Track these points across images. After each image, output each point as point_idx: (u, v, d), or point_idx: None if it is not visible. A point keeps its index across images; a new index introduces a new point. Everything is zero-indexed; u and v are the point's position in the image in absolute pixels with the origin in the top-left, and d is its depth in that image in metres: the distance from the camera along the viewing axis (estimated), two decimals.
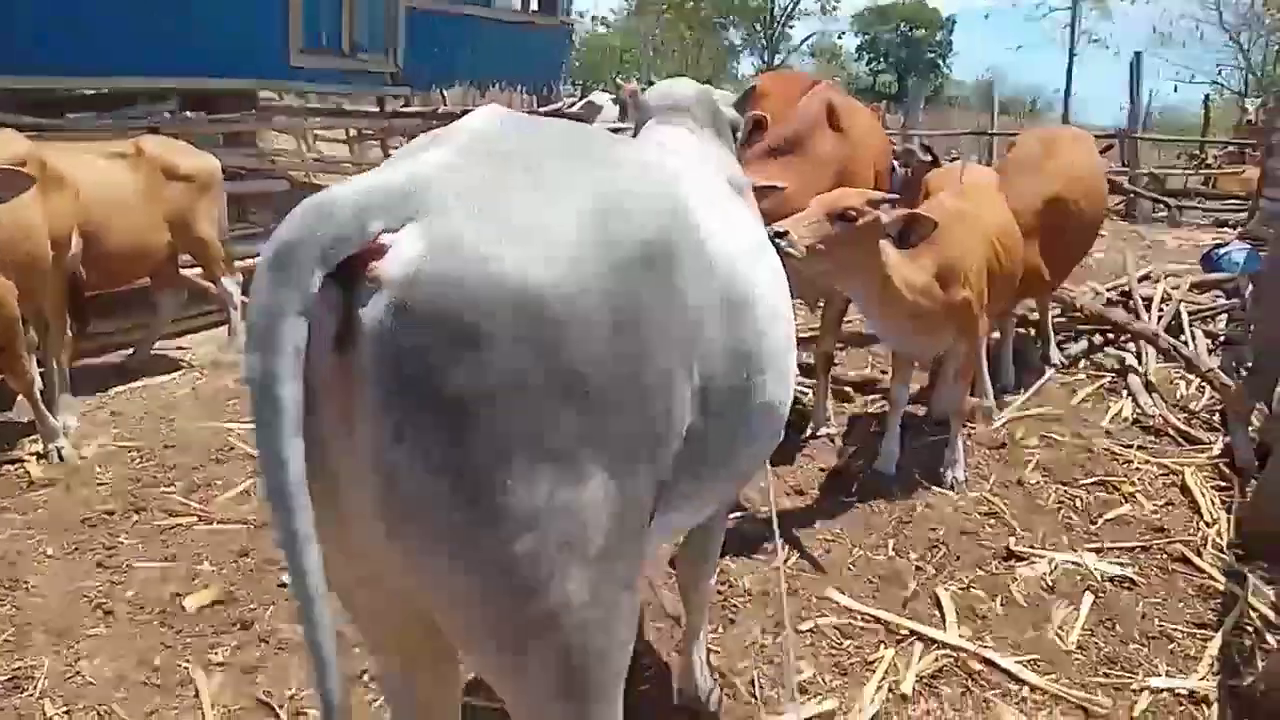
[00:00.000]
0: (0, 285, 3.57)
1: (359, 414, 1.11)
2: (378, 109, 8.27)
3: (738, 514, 3.64)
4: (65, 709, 2.42)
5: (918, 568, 3.29)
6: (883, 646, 2.81)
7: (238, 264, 5.36)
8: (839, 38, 44.81)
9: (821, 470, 4.09)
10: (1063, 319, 6.04)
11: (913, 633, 2.87)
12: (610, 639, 1.30)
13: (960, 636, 2.86)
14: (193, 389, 4.95)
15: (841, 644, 2.83)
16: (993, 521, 3.64)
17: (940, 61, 45.55)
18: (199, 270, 5.32)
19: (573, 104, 8.75)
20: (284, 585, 3.03)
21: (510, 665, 1.26)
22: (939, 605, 3.03)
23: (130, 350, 5.31)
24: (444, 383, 1.08)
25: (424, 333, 1.07)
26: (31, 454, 3.95)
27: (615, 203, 1.26)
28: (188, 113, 6.12)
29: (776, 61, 35.29)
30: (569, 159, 1.33)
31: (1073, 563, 3.30)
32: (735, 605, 3.02)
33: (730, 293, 1.55)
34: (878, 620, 2.94)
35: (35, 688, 2.49)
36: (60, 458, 3.89)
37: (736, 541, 3.38)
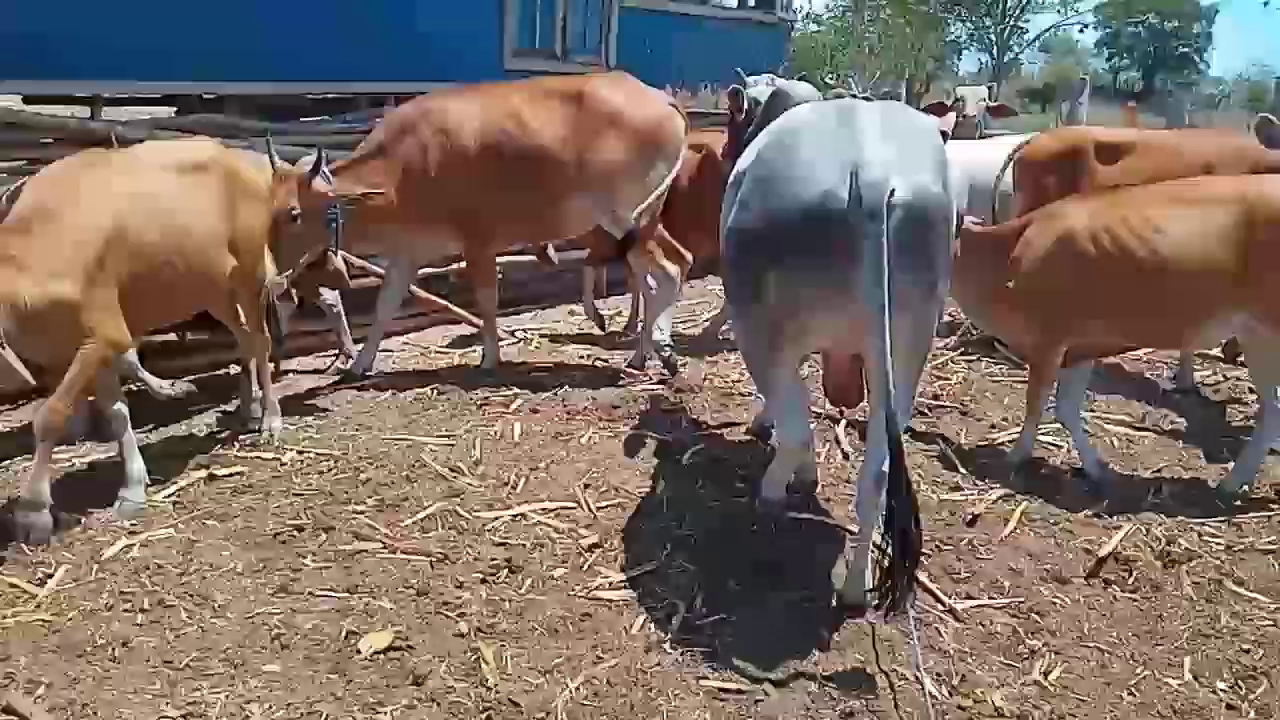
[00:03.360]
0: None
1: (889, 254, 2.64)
2: None
3: (972, 601, 3.08)
4: None
5: (1229, 706, 2.60)
6: None
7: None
8: (1080, 31, 41.20)
9: (1086, 551, 3.43)
10: None
11: None
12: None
13: None
14: (393, 395, 4.93)
15: None
16: None
17: (1197, 56, 40.87)
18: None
19: None
20: (460, 635, 2.80)
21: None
22: None
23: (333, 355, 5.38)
24: (920, 239, 2.76)
25: (913, 219, 2.72)
26: (253, 456, 4.01)
27: (941, 149, 2.98)
28: None
29: (1006, 58, 32.92)
30: (905, 129, 3.00)
31: None
32: None
33: None
34: None
35: None
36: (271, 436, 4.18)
37: (982, 639, 2.84)
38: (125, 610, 2.83)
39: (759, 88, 4.47)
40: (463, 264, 5.59)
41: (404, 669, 2.64)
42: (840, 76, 21.89)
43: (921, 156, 2.85)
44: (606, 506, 3.69)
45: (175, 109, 6.39)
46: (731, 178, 3.34)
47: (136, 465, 3.55)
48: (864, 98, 7.35)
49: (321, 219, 4.33)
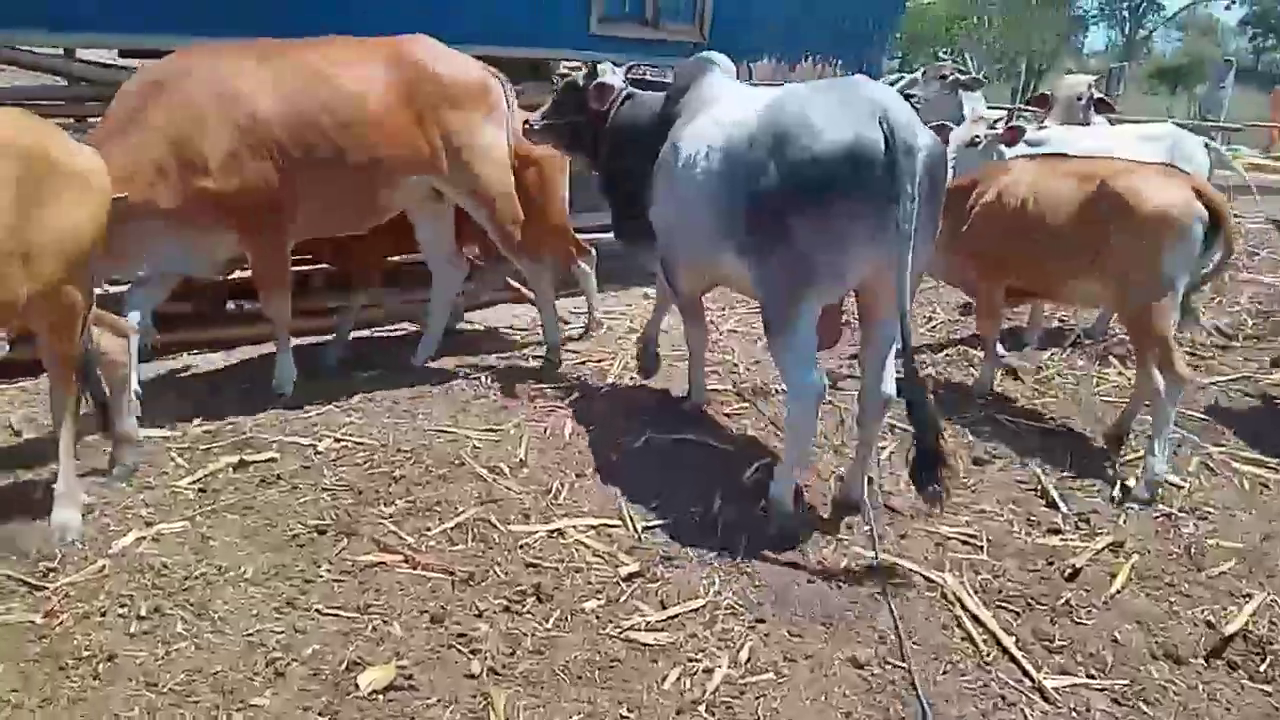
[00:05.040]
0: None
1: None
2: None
3: (1066, 679, 2.62)
4: None
5: None
6: None
7: None
8: (1226, 8, 38.12)
9: (1208, 624, 2.91)
10: None
11: None
12: None
13: None
14: (443, 380, 4.67)
15: None
16: None
17: None
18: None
19: (895, 80, 7.64)
20: (471, 676, 2.50)
21: None
22: None
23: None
24: (934, 180, 3.11)
25: (931, 160, 3.07)
26: (289, 441, 3.81)
27: None
28: None
29: (1139, 35, 30.66)
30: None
31: None
32: None
33: None
34: None
35: None
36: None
37: None
38: (120, 616, 2.63)
39: (612, 78, 4.26)
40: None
41: (403, 712, 2.36)
42: (954, 51, 20.65)
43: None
44: (653, 526, 3.34)
45: None
46: (672, 158, 3.59)
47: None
48: (972, 78, 6.75)
49: None
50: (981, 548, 3.32)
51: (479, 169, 4.48)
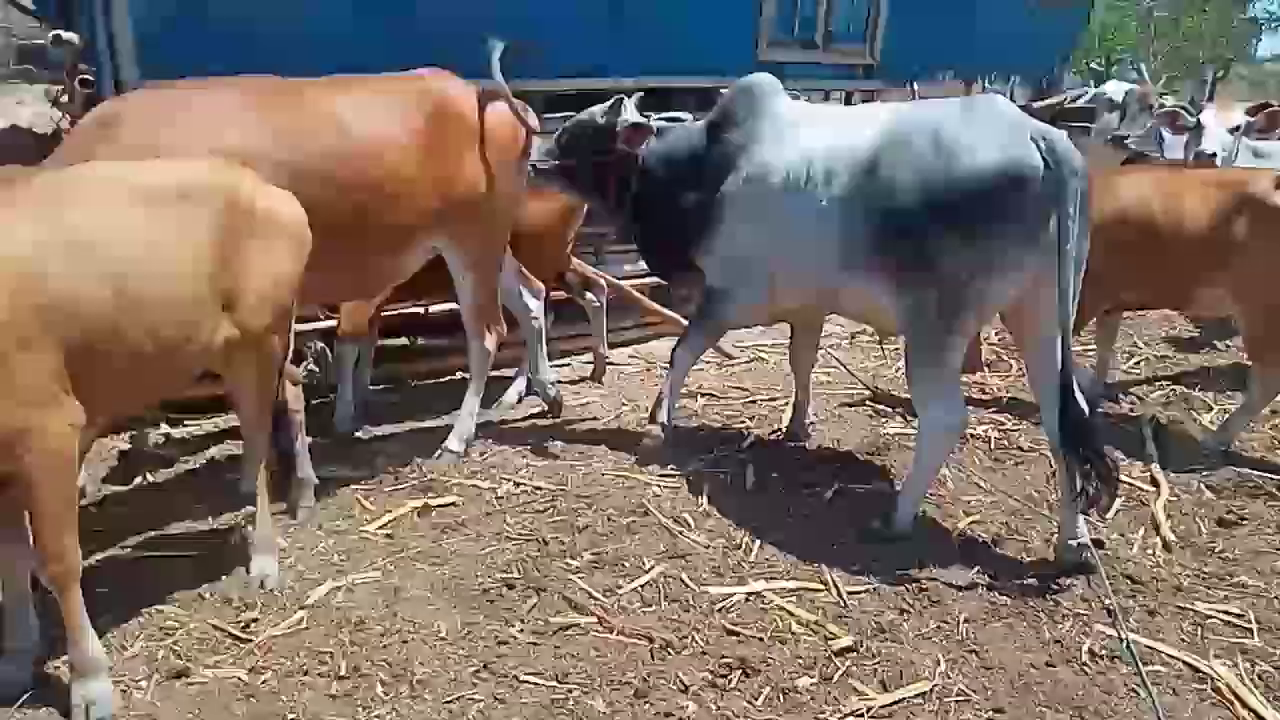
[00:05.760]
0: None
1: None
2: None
3: None
4: None
5: None
6: None
7: None
8: None
9: None
10: None
11: None
12: None
13: None
14: (616, 418, 4.54)
15: None
16: None
17: None
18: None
19: (1077, 97, 7.09)
20: None
21: None
22: None
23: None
24: (1086, 199, 3.02)
25: (1083, 179, 2.98)
26: (469, 484, 3.74)
27: None
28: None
29: None
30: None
31: None
32: None
33: None
34: None
35: None
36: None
37: None
38: (321, 675, 2.56)
39: (635, 114, 3.90)
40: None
41: None
42: (1115, 62, 19.38)
43: None
44: (860, 592, 3.05)
45: None
46: (753, 187, 3.55)
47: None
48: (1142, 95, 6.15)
49: None
50: (1250, 630, 2.87)
51: (492, 227, 3.90)
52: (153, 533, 3.33)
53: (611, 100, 3.97)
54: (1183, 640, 2.82)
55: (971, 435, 4.25)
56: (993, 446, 4.16)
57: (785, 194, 3.46)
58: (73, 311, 2.29)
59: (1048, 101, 6.80)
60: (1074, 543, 3.15)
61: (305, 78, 3.53)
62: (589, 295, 5.05)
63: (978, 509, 3.59)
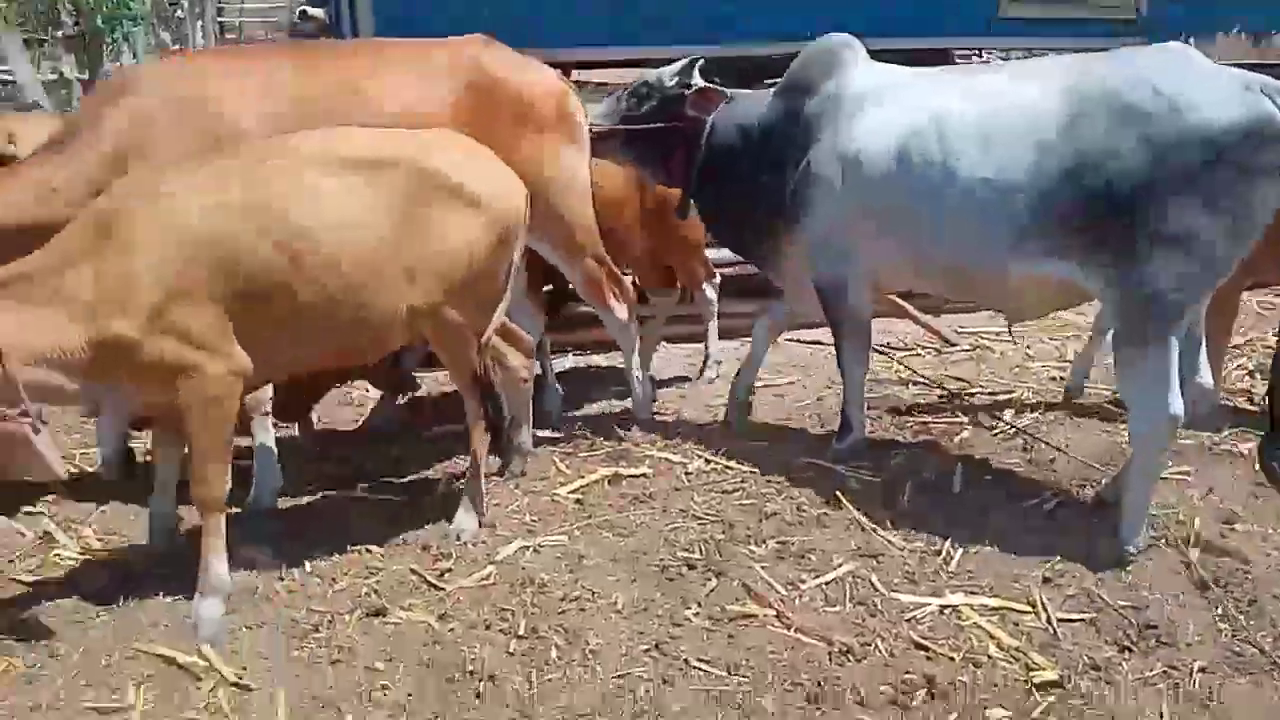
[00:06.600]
0: None
1: None
2: None
3: None
4: None
5: None
6: None
7: None
8: None
9: None
10: None
11: None
12: None
13: None
14: (816, 401, 4.37)
15: None
16: None
17: None
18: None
19: None
20: None
21: None
22: None
23: None
24: None
25: None
26: (661, 457, 3.71)
27: None
28: None
29: None
30: None
31: None
32: None
33: None
34: None
35: None
36: None
37: None
38: (501, 632, 2.65)
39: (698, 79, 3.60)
40: None
41: None
42: None
43: None
44: (1074, 620, 2.74)
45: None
46: (862, 158, 3.27)
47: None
48: None
49: None
50: None
51: (562, 205, 3.60)
52: (376, 479, 3.61)
53: (683, 62, 3.75)
54: None
55: (1231, 453, 3.70)
56: (1256, 468, 3.59)
57: (904, 165, 3.16)
58: (237, 272, 2.55)
59: None
60: None
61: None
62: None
63: (1230, 540, 3.11)
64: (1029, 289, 3.15)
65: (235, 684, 2.44)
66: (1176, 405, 2.86)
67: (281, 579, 2.90)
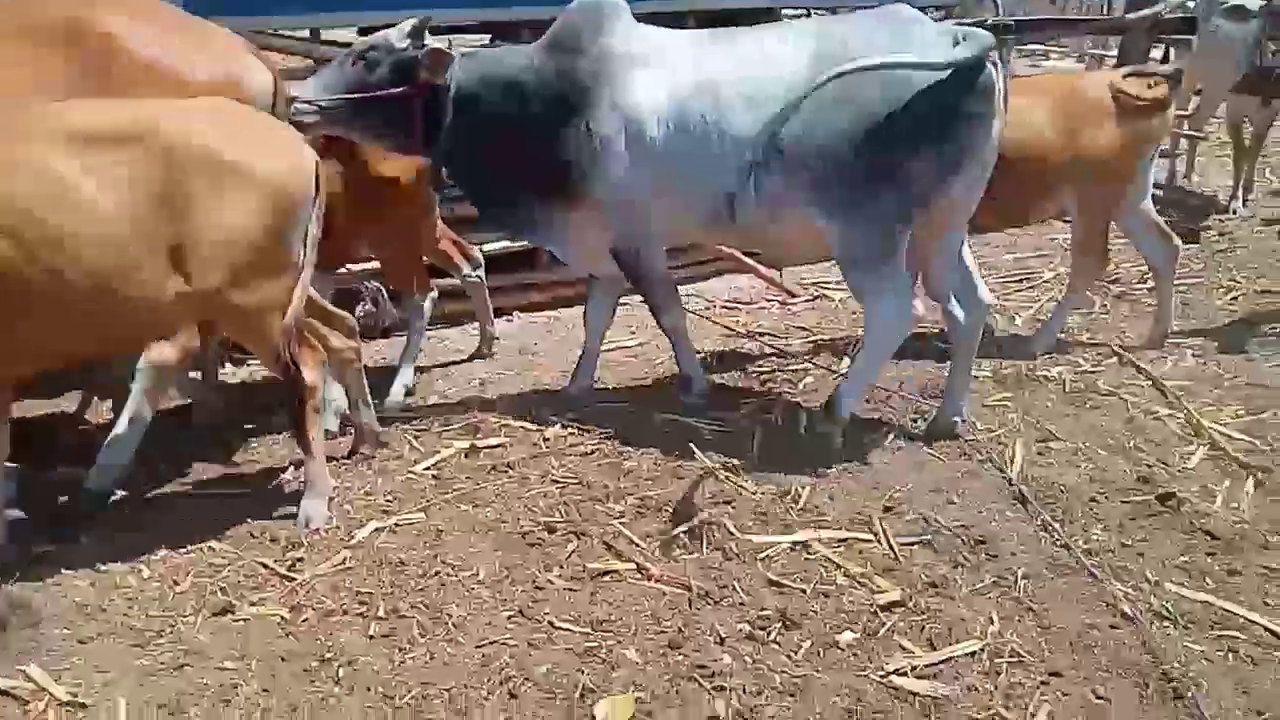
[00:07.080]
0: None
1: None
2: None
3: None
4: None
5: None
6: None
7: None
8: None
9: None
10: None
11: None
12: None
13: None
14: (668, 363, 4.43)
15: None
16: None
17: None
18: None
19: (1176, 6, 6.49)
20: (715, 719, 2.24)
21: None
22: None
23: None
24: None
25: None
26: (517, 426, 3.68)
27: None
28: None
29: None
30: None
31: None
32: None
33: None
34: None
35: None
36: None
37: None
38: (359, 615, 2.59)
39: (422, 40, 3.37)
40: None
41: None
42: None
43: None
44: (911, 544, 2.93)
45: (491, 36, 5.97)
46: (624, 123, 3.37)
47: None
48: None
49: None
50: None
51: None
52: (211, 473, 3.42)
53: (411, 22, 3.41)
54: (1266, 604, 2.62)
55: (1045, 378, 4.03)
56: (1067, 389, 3.93)
57: (676, 127, 3.33)
58: None
59: (1144, 13, 6.26)
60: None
61: None
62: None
63: (1047, 457, 3.40)
64: (792, 236, 3.50)
65: (68, 703, 2.28)
66: (907, 302, 3.43)
67: (117, 586, 2.72)
